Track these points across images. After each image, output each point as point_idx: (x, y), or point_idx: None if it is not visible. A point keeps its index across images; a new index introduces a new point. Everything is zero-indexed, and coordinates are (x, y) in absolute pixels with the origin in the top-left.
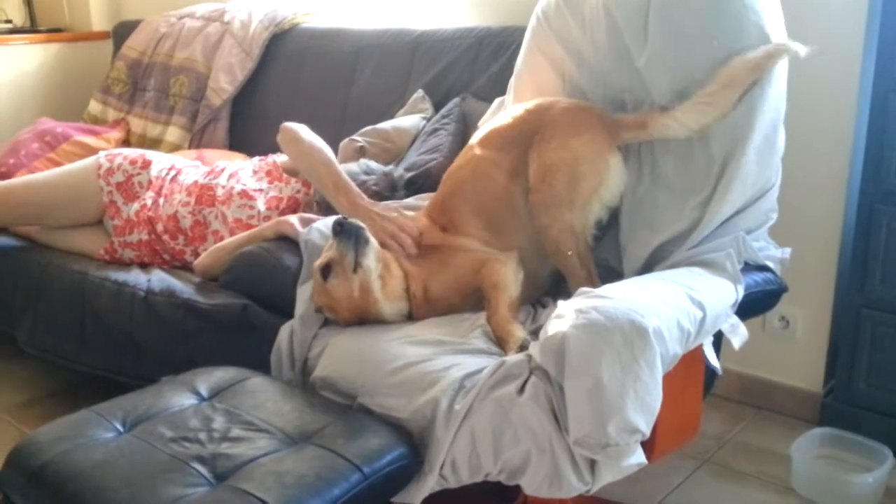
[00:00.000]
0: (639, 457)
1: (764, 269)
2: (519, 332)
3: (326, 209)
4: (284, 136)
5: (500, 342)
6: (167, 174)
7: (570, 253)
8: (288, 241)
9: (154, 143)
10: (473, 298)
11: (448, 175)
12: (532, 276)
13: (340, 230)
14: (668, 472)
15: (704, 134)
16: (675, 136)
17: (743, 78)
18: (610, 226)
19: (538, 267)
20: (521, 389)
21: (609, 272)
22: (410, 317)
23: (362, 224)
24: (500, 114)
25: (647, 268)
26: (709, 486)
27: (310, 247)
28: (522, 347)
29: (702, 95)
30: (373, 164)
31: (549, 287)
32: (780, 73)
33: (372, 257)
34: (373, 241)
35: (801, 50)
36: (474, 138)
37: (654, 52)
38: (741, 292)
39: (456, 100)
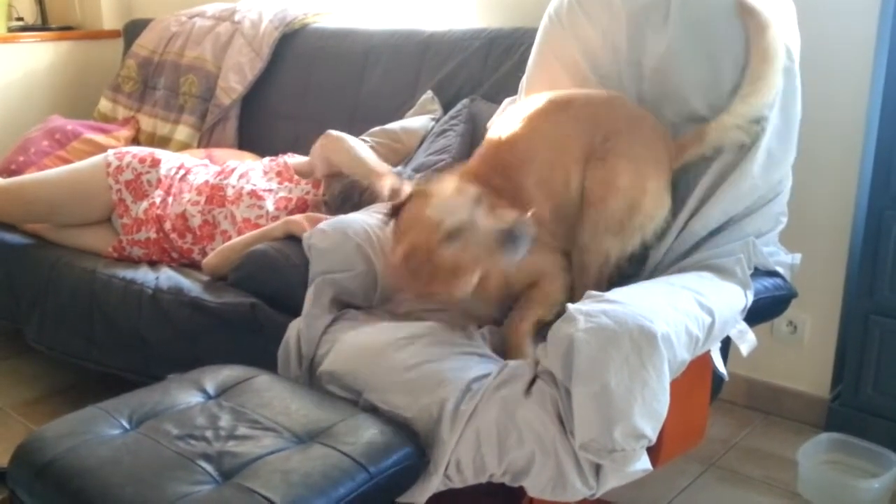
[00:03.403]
0: (644, 463)
1: (774, 274)
2: (532, 354)
3: (335, 209)
4: (337, 143)
5: (511, 350)
6: (176, 173)
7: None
8: (297, 241)
9: (163, 142)
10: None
11: (511, 138)
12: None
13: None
14: (674, 475)
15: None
16: (731, 140)
17: (771, 68)
18: None
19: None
20: (528, 391)
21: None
22: None
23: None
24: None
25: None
26: (714, 490)
27: (313, 250)
28: None
29: (741, 95)
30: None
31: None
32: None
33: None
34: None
35: None
36: (541, 100)
37: (674, 41)
38: (750, 298)
39: (465, 101)
